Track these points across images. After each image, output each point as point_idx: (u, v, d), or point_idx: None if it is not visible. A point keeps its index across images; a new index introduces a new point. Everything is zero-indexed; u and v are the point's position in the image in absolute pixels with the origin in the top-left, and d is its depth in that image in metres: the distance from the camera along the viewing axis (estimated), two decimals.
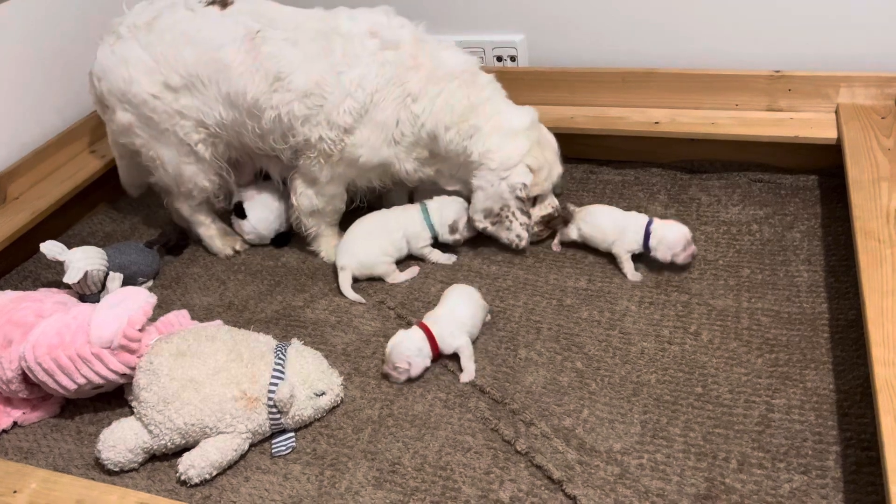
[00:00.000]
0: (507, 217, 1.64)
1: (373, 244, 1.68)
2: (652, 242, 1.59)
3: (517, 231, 1.66)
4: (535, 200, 1.69)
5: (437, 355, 1.43)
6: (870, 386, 1.17)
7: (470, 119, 1.61)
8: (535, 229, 1.71)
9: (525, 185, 1.61)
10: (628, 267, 1.61)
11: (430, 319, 1.45)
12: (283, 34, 1.62)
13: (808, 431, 1.23)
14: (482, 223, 1.66)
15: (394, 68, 1.59)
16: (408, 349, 1.39)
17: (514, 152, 1.61)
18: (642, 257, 1.63)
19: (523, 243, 1.67)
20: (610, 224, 1.65)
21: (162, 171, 1.75)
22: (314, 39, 1.61)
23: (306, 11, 1.68)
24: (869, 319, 1.20)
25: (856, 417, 1.24)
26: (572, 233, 1.70)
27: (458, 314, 1.46)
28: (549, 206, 1.71)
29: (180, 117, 1.66)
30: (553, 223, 1.72)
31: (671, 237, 1.57)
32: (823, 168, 1.84)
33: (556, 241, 1.74)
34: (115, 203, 2.14)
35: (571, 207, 1.73)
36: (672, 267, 1.60)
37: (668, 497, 1.15)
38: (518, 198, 1.62)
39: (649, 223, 1.60)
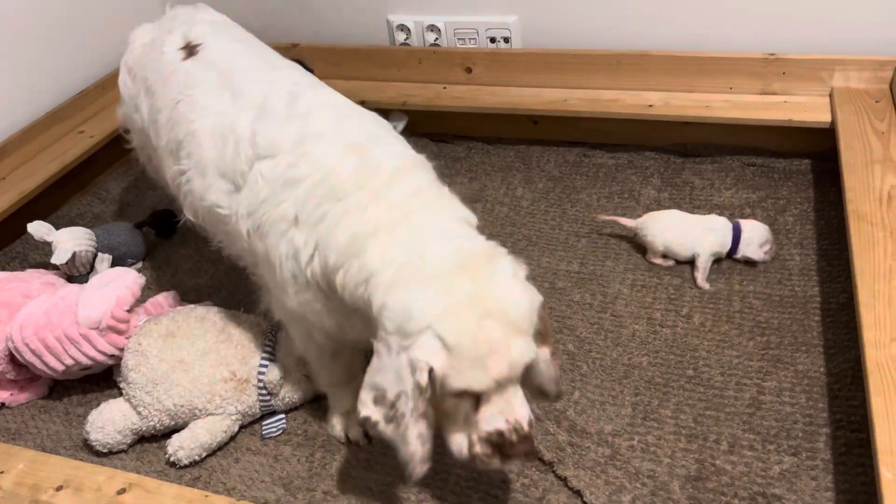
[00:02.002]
0: (401, 415, 0.94)
1: None
2: (742, 243, 1.53)
3: (410, 446, 0.95)
4: (477, 400, 0.95)
5: None
6: (860, 368, 1.17)
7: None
8: (477, 450, 0.97)
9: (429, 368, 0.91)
10: (704, 273, 1.52)
11: None
12: None
13: (799, 413, 1.23)
14: (368, 410, 0.96)
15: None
16: None
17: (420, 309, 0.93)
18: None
19: (417, 471, 0.95)
20: (688, 228, 1.55)
21: None
22: None
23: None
24: (861, 302, 1.20)
25: (846, 400, 1.24)
26: (658, 245, 1.56)
27: None
28: (505, 415, 0.95)
29: None
30: (513, 450, 0.95)
31: (759, 235, 1.52)
32: (817, 152, 1.84)
33: (654, 259, 1.59)
34: (104, 184, 2.11)
35: (629, 222, 1.60)
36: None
37: (659, 478, 1.15)
38: (417, 386, 0.92)
39: (736, 224, 1.54)
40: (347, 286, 1.02)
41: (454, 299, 0.92)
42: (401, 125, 2.07)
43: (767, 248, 1.53)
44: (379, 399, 0.95)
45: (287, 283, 1.10)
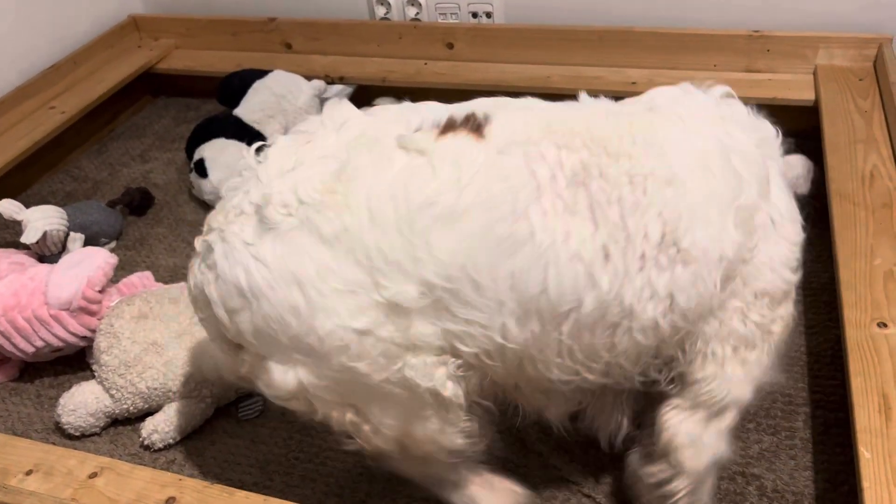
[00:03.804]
0: None
1: None
2: None
3: None
4: None
5: None
6: (840, 348, 1.17)
7: None
8: None
9: None
10: None
11: None
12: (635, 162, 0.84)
13: (778, 393, 1.23)
14: None
15: None
16: None
17: None
18: None
19: None
20: None
21: (373, 436, 0.92)
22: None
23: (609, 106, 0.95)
24: (842, 281, 1.19)
25: (825, 379, 1.24)
26: None
27: None
28: None
29: (412, 354, 0.85)
30: None
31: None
32: (800, 131, 1.82)
33: None
34: (76, 161, 2.07)
35: None
36: None
37: None
38: None
39: None
40: None
41: None
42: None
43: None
44: None
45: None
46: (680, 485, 0.96)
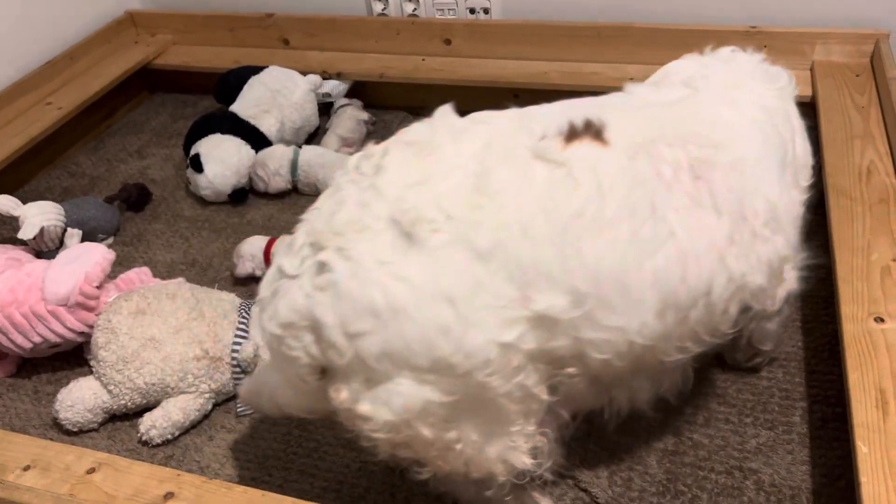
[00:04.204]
0: None
1: None
2: None
3: None
4: None
5: None
6: (837, 343, 1.17)
7: None
8: None
9: None
10: None
11: (283, 239, 1.52)
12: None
13: (776, 388, 1.23)
14: None
15: None
16: (245, 251, 1.53)
17: None
18: None
19: None
20: None
21: (455, 457, 0.88)
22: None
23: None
24: (839, 276, 1.19)
25: (822, 374, 1.24)
26: None
27: None
28: None
29: (532, 364, 0.84)
30: None
31: None
32: None
33: None
34: (73, 157, 2.06)
35: None
36: None
37: (636, 452, 1.15)
38: None
39: None
40: None
41: None
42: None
43: None
44: None
45: None
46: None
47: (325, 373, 0.83)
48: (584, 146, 0.85)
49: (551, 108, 0.92)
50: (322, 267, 0.79)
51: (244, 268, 1.54)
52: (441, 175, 0.82)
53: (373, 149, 0.88)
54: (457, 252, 0.78)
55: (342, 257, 0.79)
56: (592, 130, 0.86)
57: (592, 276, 0.81)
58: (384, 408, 0.80)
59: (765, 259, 0.93)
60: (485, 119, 0.90)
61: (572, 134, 0.86)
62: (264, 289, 0.88)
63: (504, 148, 0.84)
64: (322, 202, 0.87)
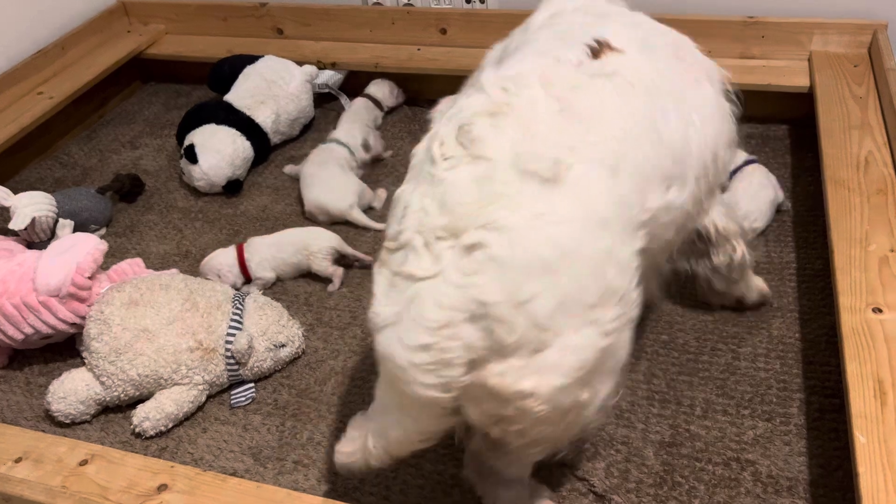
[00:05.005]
0: None
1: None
2: None
3: None
4: None
5: (249, 278, 1.50)
6: (835, 334, 1.17)
7: None
8: None
9: None
10: None
11: (251, 243, 1.51)
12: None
13: (773, 379, 1.23)
14: None
15: None
16: (220, 264, 1.48)
17: None
18: None
19: None
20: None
21: (581, 420, 0.86)
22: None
23: None
24: (837, 267, 1.19)
25: (820, 365, 1.24)
26: None
27: (276, 251, 1.50)
28: None
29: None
30: None
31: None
32: (794, 118, 1.82)
33: None
34: (65, 148, 2.04)
35: None
36: None
37: (633, 444, 1.15)
38: None
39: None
40: None
41: None
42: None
43: None
44: None
45: None
46: (740, 247, 1.20)
47: (472, 368, 0.79)
48: (612, 57, 0.92)
49: (549, 45, 0.96)
50: (470, 250, 0.76)
51: (227, 283, 1.48)
52: (533, 121, 0.82)
53: (443, 133, 0.85)
54: (595, 176, 0.81)
55: (492, 230, 0.76)
56: (605, 45, 0.93)
57: (678, 159, 0.92)
58: (553, 374, 0.78)
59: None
60: (525, 72, 0.89)
61: (595, 52, 0.92)
62: (383, 310, 0.80)
63: (564, 81, 0.88)
64: (416, 199, 0.82)
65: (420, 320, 0.77)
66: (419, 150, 0.89)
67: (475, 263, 0.76)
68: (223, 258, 1.49)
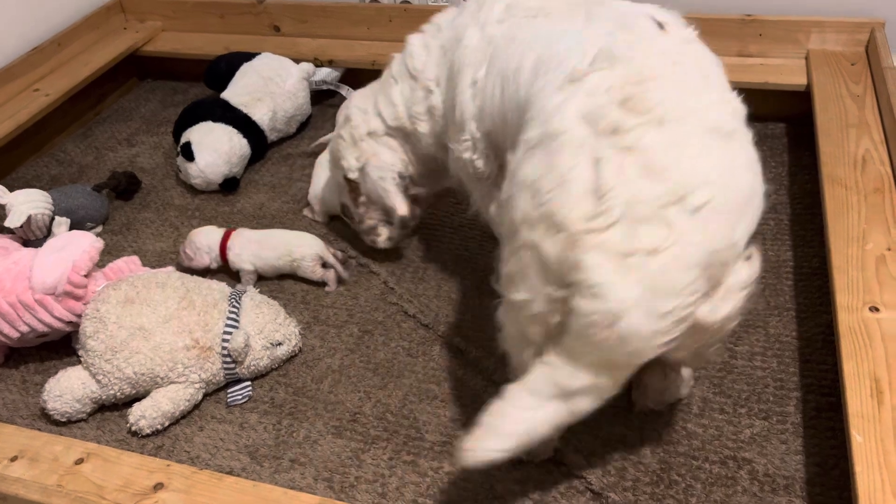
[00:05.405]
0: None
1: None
2: None
3: None
4: None
5: (226, 263, 1.50)
6: (832, 332, 1.17)
7: None
8: None
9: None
10: None
11: (240, 233, 1.51)
12: None
13: (770, 378, 1.23)
14: None
15: None
16: (200, 243, 1.49)
17: None
18: None
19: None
20: None
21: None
22: None
23: None
24: (834, 266, 1.19)
25: (817, 364, 1.24)
26: None
27: (257, 248, 1.48)
28: None
29: None
30: None
31: None
32: (791, 116, 1.82)
33: None
34: (61, 145, 2.04)
35: None
36: None
37: (629, 442, 1.15)
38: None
39: None
40: None
41: None
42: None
43: None
44: None
45: None
46: None
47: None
48: (674, 33, 1.01)
49: (611, 25, 1.03)
50: (699, 208, 0.82)
51: (202, 260, 1.50)
52: (682, 83, 0.91)
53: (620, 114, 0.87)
54: (741, 129, 0.93)
55: (707, 185, 0.83)
56: (660, 25, 1.01)
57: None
58: (741, 291, 0.90)
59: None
60: (632, 41, 0.97)
61: (661, 26, 1.01)
62: (625, 294, 0.81)
63: (672, 49, 0.98)
64: (592, 174, 0.83)
65: (671, 288, 0.81)
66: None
67: (704, 218, 0.82)
68: (206, 239, 1.50)
